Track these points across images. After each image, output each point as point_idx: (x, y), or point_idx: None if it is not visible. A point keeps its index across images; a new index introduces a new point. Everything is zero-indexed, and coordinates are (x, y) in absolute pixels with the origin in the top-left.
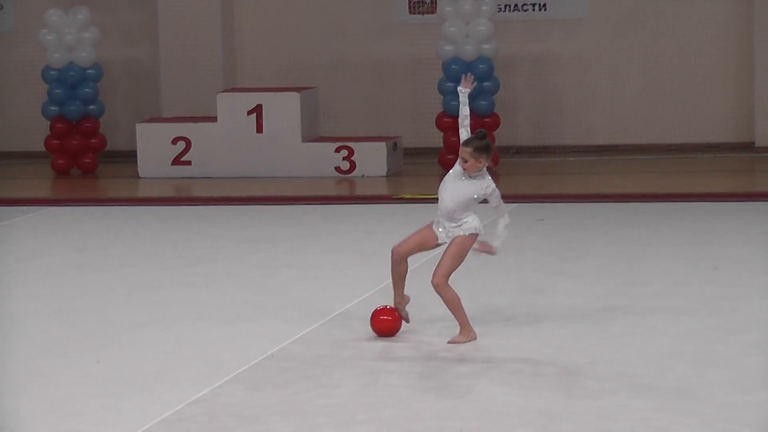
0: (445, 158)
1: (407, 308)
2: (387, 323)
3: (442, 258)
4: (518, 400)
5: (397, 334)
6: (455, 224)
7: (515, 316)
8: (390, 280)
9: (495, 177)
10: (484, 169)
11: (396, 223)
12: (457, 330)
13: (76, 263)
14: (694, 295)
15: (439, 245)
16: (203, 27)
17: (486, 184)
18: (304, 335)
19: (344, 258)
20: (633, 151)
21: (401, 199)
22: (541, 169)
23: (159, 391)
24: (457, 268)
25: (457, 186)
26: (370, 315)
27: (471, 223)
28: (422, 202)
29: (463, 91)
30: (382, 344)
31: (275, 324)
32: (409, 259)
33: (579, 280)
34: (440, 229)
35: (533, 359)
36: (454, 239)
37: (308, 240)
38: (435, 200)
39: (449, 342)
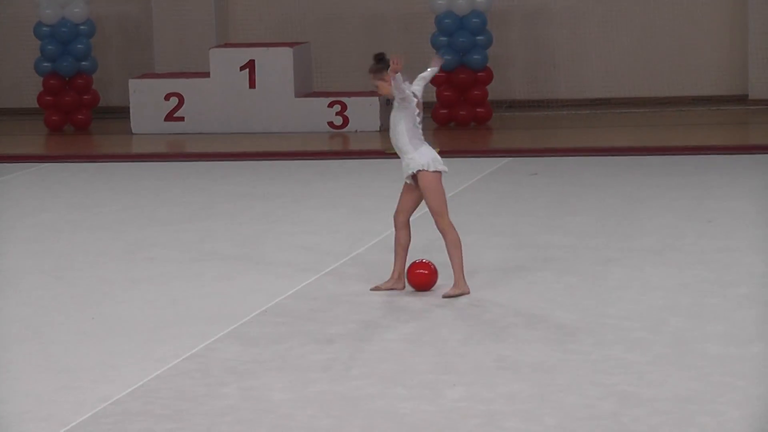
0: (438, 112)
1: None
2: (423, 277)
3: (428, 207)
4: (512, 354)
5: (386, 293)
6: (404, 159)
7: (509, 270)
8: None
9: (489, 131)
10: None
11: (389, 178)
12: (451, 285)
13: (70, 220)
14: (688, 248)
15: (411, 184)
16: None
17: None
18: (299, 290)
19: (338, 213)
20: (626, 105)
21: (394, 154)
22: (535, 123)
23: (154, 347)
24: (441, 202)
25: (391, 117)
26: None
27: (417, 159)
28: None
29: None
30: (376, 299)
31: (270, 279)
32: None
33: (572, 234)
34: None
35: (527, 313)
36: (420, 185)
37: (302, 195)
38: None
39: (443, 296)
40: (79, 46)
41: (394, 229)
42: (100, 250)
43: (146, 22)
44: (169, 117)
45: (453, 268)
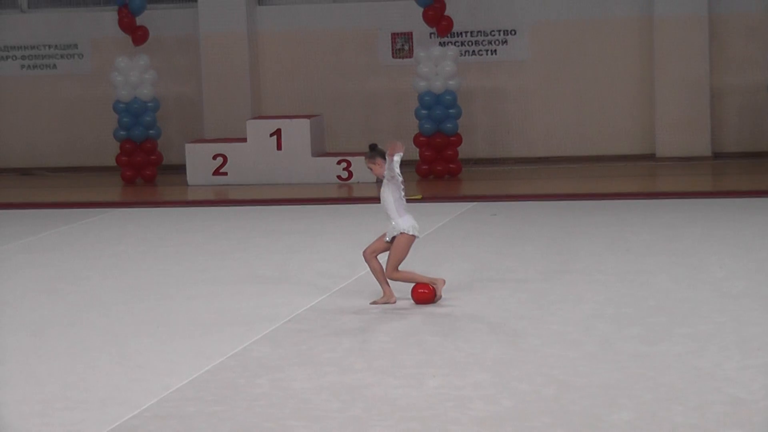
0: (420, 168)
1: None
2: (425, 295)
3: (388, 256)
4: (478, 352)
5: (381, 306)
6: (390, 222)
7: (474, 287)
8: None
9: (459, 182)
10: (389, 165)
11: (384, 218)
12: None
13: (140, 251)
14: (612, 270)
15: (388, 242)
16: (236, 69)
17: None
18: (315, 304)
19: (344, 245)
20: (564, 161)
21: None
22: (494, 175)
23: (205, 348)
24: (400, 259)
25: (382, 191)
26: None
27: (400, 224)
28: None
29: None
30: (374, 311)
31: (293, 296)
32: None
33: (523, 260)
34: (388, 230)
35: (489, 321)
36: (394, 242)
37: (317, 232)
38: (413, 200)
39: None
40: (148, 118)
41: (366, 262)
42: (163, 274)
43: (198, 100)
44: (216, 172)
45: (415, 282)
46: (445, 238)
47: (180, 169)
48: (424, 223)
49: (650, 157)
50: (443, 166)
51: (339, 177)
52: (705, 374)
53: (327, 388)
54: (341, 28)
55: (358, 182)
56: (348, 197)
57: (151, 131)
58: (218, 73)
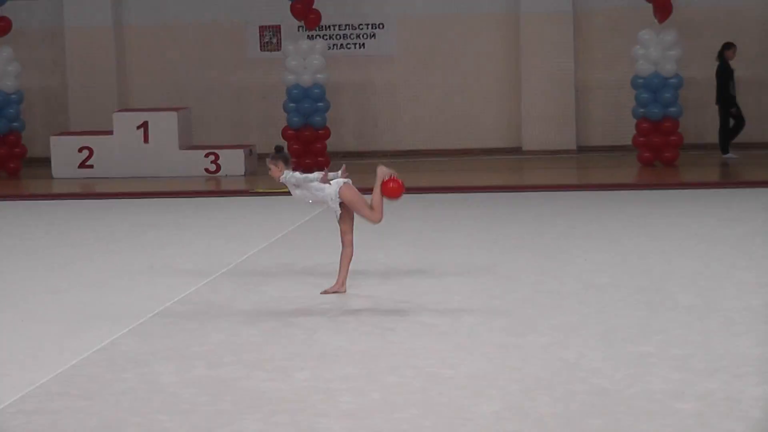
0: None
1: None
2: (394, 189)
3: (357, 212)
4: (346, 344)
5: (254, 297)
6: (328, 203)
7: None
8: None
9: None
10: (288, 173)
11: (252, 211)
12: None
13: (3, 245)
14: (478, 262)
15: (341, 213)
16: (101, 61)
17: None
18: (183, 297)
19: (212, 238)
20: (431, 155)
21: (256, 192)
22: (362, 169)
23: (70, 343)
24: (363, 203)
25: (293, 193)
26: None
27: (329, 190)
28: (272, 195)
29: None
30: (243, 304)
31: (161, 289)
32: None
33: (391, 253)
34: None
35: (357, 314)
36: (342, 205)
37: (185, 225)
38: (281, 193)
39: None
40: (11, 110)
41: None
42: (28, 268)
43: (63, 92)
44: (82, 165)
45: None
46: (312, 231)
47: (45, 162)
48: (290, 217)
49: (517, 150)
50: (312, 160)
51: (207, 170)
52: (570, 365)
53: (195, 381)
54: (209, 20)
55: (226, 175)
56: (216, 190)
57: (14, 123)
58: (84, 66)
